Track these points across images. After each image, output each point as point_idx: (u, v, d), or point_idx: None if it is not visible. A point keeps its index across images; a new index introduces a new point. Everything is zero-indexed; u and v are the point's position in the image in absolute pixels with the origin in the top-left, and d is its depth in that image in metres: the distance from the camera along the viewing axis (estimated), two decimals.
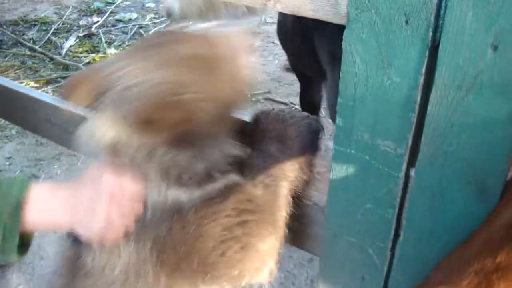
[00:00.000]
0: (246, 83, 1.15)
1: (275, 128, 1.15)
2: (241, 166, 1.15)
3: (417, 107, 0.86)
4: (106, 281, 1.14)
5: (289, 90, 4.23)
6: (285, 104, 4.03)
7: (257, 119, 1.18)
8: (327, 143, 1.09)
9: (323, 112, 3.70)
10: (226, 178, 1.11)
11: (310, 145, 1.15)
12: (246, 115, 1.22)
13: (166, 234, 1.08)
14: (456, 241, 0.93)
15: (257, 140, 1.16)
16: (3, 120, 3.92)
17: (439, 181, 0.89)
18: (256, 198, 1.11)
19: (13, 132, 3.80)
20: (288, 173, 1.13)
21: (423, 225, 0.96)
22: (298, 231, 1.23)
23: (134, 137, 1.05)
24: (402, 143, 0.91)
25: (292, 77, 3.97)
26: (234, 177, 1.12)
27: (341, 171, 1.01)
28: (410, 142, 0.90)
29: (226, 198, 1.09)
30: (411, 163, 0.94)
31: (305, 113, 1.17)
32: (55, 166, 3.44)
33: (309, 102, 3.31)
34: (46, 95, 1.76)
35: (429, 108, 0.84)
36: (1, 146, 3.68)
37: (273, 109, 1.19)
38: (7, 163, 3.49)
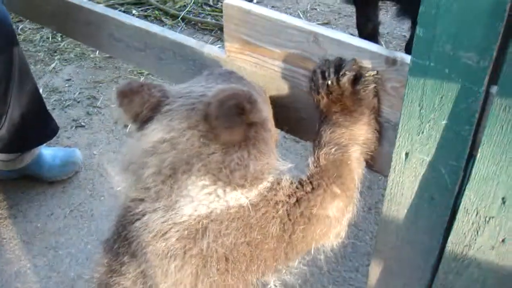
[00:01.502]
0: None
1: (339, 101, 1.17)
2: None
3: (505, 15, 0.81)
4: None
5: (348, 21, 4.13)
6: None
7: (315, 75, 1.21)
8: (402, 55, 1.05)
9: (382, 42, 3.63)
10: (271, 176, 1.15)
11: (373, 102, 1.16)
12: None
13: (231, 243, 1.09)
14: None
15: (323, 116, 1.21)
16: (62, 43, 3.98)
17: None
18: (316, 169, 1.16)
19: (72, 55, 3.84)
20: (358, 138, 1.17)
21: (502, 143, 0.92)
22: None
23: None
24: (486, 55, 0.86)
25: (351, 9, 3.87)
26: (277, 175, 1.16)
27: (417, 85, 0.97)
28: (495, 54, 0.86)
29: (277, 191, 1.13)
30: (492, 79, 0.90)
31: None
32: (114, 89, 3.47)
33: (366, 28, 3.24)
34: (110, 10, 1.76)
35: None
36: (61, 68, 3.73)
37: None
38: (67, 84, 3.55)
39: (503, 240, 1.02)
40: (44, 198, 2.74)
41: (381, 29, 3.85)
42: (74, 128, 3.18)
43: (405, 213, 1.16)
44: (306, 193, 1.13)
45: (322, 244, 1.20)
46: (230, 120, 1.06)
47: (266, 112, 1.23)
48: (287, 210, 1.12)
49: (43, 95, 3.35)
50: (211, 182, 1.09)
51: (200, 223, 1.08)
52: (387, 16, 4.04)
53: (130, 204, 1.16)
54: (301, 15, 4.21)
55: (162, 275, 1.10)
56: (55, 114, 3.16)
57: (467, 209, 1.04)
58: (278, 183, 1.14)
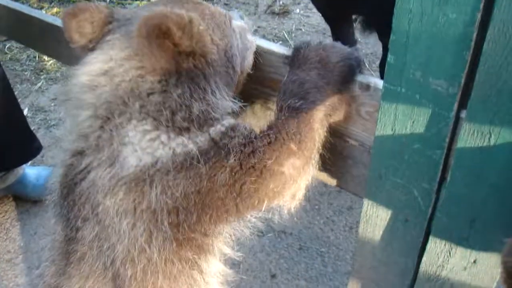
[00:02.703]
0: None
1: (317, 54, 1.11)
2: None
3: (472, 44, 0.85)
4: (104, 262, 1.06)
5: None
6: None
7: (297, 49, 1.15)
8: (376, 81, 1.08)
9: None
10: (226, 120, 1.08)
11: (351, 71, 1.11)
12: (285, 50, 1.22)
13: (179, 194, 1.01)
14: (505, 183, 0.92)
15: (296, 66, 1.12)
16: (49, 63, 3.99)
17: (491, 121, 0.88)
18: (276, 122, 1.07)
19: (58, 74, 3.86)
20: (326, 98, 1.09)
21: (472, 166, 0.95)
22: (343, 172, 1.23)
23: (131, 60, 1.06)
24: (454, 82, 0.90)
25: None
26: (232, 120, 1.10)
27: (390, 110, 1.00)
28: (463, 81, 0.89)
29: (232, 139, 1.05)
30: (462, 104, 0.93)
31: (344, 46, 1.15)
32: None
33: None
34: None
35: (485, 45, 0.83)
36: (47, 87, 3.74)
37: (315, 39, 1.17)
38: (52, 104, 3.56)
39: (474, 261, 1.04)
40: (28, 217, 2.73)
41: (365, 49, 3.91)
42: (58, 147, 3.17)
43: (380, 234, 1.19)
44: (263, 145, 1.04)
45: (277, 203, 1.10)
46: (151, 42, 1.00)
47: (218, 45, 1.13)
48: (239, 159, 1.03)
49: (29, 115, 3.36)
50: (153, 127, 1.03)
51: (146, 173, 1.01)
52: (370, 36, 4.09)
53: (71, 160, 1.08)
54: (286, 35, 4.25)
55: (116, 234, 1.03)
56: (40, 134, 3.17)
57: (440, 231, 1.06)
58: (233, 129, 1.06)
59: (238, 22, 1.27)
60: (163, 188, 1.00)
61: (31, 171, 2.79)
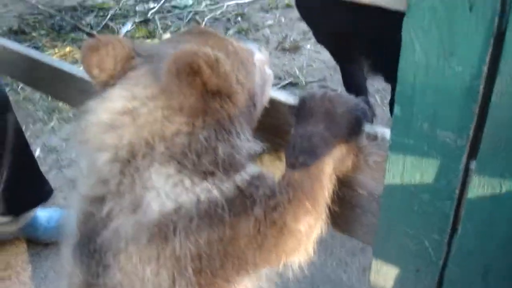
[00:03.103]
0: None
1: (323, 106, 1.09)
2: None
3: (479, 97, 0.83)
4: None
5: None
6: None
7: (303, 101, 1.14)
8: (383, 131, 1.07)
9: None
10: (250, 169, 1.06)
11: (358, 123, 1.10)
12: (292, 99, 1.21)
13: (202, 241, 0.99)
14: None
15: (303, 119, 1.11)
16: (61, 103, 4.01)
17: (501, 173, 0.86)
18: (294, 179, 1.05)
19: (70, 114, 3.88)
20: (334, 152, 1.07)
21: (483, 218, 0.93)
22: (352, 221, 1.22)
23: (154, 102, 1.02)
24: (463, 134, 0.88)
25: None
26: (257, 168, 1.08)
27: (398, 161, 0.99)
28: (471, 133, 0.87)
29: (257, 189, 1.03)
30: (472, 155, 0.92)
31: (352, 95, 1.14)
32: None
33: (351, 85, 3.23)
34: None
35: (492, 98, 0.81)
36: (59, 128, 3.76)
37: (320, 90, 1.14)
38: (64, 144, 3.57)
39: None
40: (39, 259, 2.72)
41: (377, 84, 3.90)
42: (70, 188, 3.18)
43: (391, 284, 1.16)
44: (284, 201, 1.02)
45: (292, 260, 1.09)
46: (182, 80, 0.96)
47: (242, 84, 1.10)
48: (264, 211, 1.01)
49: (41, 155, 3.37)
50: (176, 170, 0.99)
51: (170, 219, 0.98)
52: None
53: (90, 208, 1.04)
54: (298, 72, 4.26)
55: (140, 281, 1.01)
56: (52, 174, 3.17)
57: (452, 282, 1.04)
58: (258, 178, 1.05)
59: (258, 55, 1.24)
60: (186, 234, 0.98)
61: (42, 213, 2.79)
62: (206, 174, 1.00)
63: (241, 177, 1.04)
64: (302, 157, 1.06)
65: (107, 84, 1.09)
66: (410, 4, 0.84)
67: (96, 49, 1.09)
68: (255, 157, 1.12)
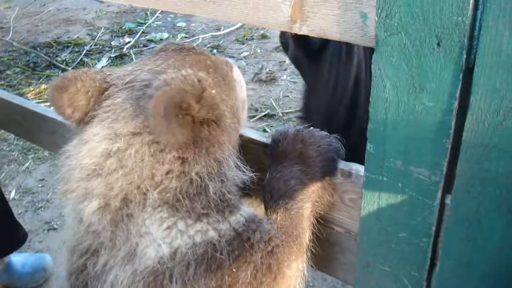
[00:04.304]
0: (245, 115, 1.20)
1: (295, 149, 1.08)
2: (260, 190, 1.10)
3: (451, 132, 0.82)
4: None
5: None
6: None
7: (275, 140, 1.12)
8: (358, 168, 1.05)
9: None
10: (244, 210, 1.02)
11: (331, 163, 1.08)
12: (264, 137, 1.19)
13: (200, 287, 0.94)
14: (496, 271, 0.88)
15: (277, 162, 1.09)
16: None
17: (477, 209, 0.85)
18: (279, 224, 1.04)
19: (46, 154, 3.83)
20: (311, 194, 1.07)
21: (460, 254, 0.91)
22: (330, 259, 1.19)
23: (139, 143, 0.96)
24: (436, 170, 0.87)
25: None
26: (250, 210, 1.05)
27: (372, 198, 0.97)
28: (445, 169, 0.86)
29: (254, 232, 1.00)
30: (447, 189, 0.90)
31: (324, 132, 1.12)
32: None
33: None
34: None
35: (464, 134, 0.80)
36: (34, 168, 3.70)
37: (292, 128, 1.12)
38: (40, 185, 3.51)
39: None
40: None
41: None
42: (46, 231, 3.10)
43: None
44: (279, 246, 1.00)
45: None
46: (171, 122, 0.89)
47: (225, 102, 1.05)
48: (261, 257, 0.97)
49: (16, 197, 3.31)
50: (169, 213, 0.94)
51: (165, 265, 0.93)
52: None
53: (81, 261, 0.99)
54: (274, 103, 4.26)
55: None
56: (27, 217, 3.11)
57: None
58: (253, 221, 1.00)
59: (235, 68, 1.21)
60: (183, 283, 0.93)
61: (16, 258, 2.72)
62: (199, 216, 0.96)
63: (236, 219, 1.00)
64: (282, 201, 1.04)
65: (83, 121, 1.04)
66: (379, 41, 0.83)
67: (65, 88, 1.02)
68: (243, 190, 1.09)
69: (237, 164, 1.05)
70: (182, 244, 0.94)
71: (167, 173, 0.95)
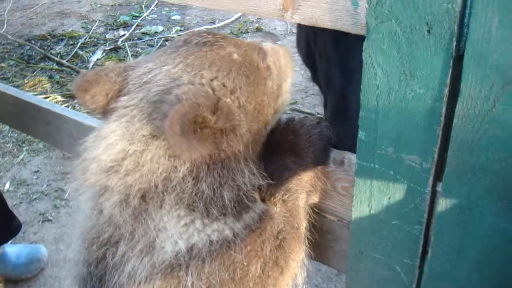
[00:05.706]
0: (285, 102, 1.17)
1: (287, 140, 1.09)
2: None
3: (442, 119, 0.82)
4: None
5: (315, 100, 4.19)
6: (312, 114, 3.99)
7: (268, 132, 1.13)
8: (350, 156, 1.05)
9: None
10: (257, 207, 1.04)
11: (323, 152, 1.09)
12: None
13: (214, 281, 0.97)
14: (487, 258, 0.89)
15: (270, 153, 1.10)
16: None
17: (468, 196, 0.85)
18: (283, 216, 1.06)
19: (40, 146, 3.83)
20: (305, 184, 1.09)
21: (452, 241, 0.91)
22: (323, 247, 1.20)
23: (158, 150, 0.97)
24: (427, 157, 0.87)
25: (317, 88, 3.94)
26: (262, 205, 1.06)
27: (365, 186, 0.97)
28: (436, 156, 0.86)
29: (264, 227, 1.02)
30: (438, 177, 0.90)
31: (316, 120, 1.12)
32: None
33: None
34: (68, 110, 1.76)
35: (455, 120, 0.80)
36: (29, 160, 3.71)
37: (283, 119, 1.13)
38: (34, 177, 3.52)
39: None
40: None
41: None
42: (41, 222, 3.11)
43: None
44: (284, 239, 1.03)
45: None
46: (190, 139, 0.89)
47: (245, 107, 1.03)
48: (270, 251, 1.01)
49: (10, 189, 3.31)
50: (187, 212, 0.97)
51: (182, 259, 0.95)
52: None
53: (101, 251, 1.01)
54: None
55: None
56: (21, 208, 3.12)
57: None
58: (267, 216, 1.03)
59: (271, 53, 1.15)
60: (198, 274, 0.96)
61: (11, 249, 2.73)
62: (216, 216, 0.98)
63: (250, 217, 1.02)
64: (279, 194, 1.07)
65: (105, 111, 1.07)
66: (369, 29, 0.83)
67: (85, 90, 1.06)
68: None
69: (252, 172, 1.04)
70: (198, 240, 0.97)
71: (183, 178, 0.96)
